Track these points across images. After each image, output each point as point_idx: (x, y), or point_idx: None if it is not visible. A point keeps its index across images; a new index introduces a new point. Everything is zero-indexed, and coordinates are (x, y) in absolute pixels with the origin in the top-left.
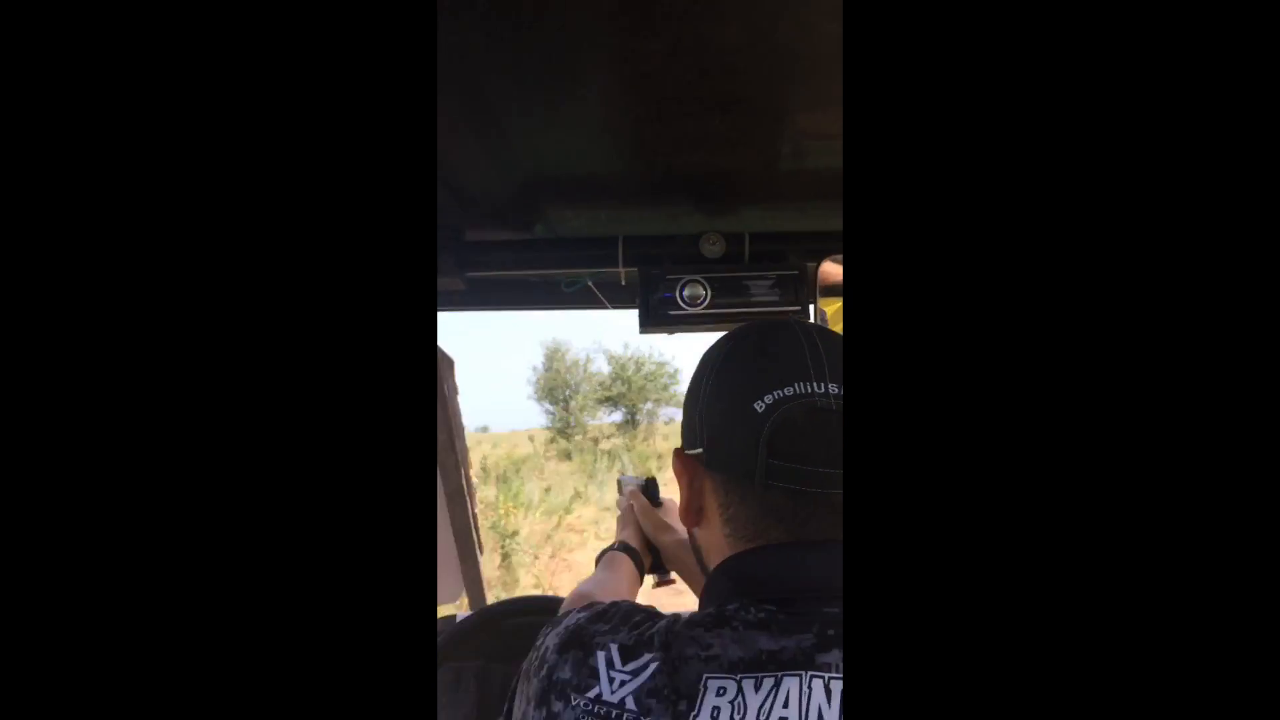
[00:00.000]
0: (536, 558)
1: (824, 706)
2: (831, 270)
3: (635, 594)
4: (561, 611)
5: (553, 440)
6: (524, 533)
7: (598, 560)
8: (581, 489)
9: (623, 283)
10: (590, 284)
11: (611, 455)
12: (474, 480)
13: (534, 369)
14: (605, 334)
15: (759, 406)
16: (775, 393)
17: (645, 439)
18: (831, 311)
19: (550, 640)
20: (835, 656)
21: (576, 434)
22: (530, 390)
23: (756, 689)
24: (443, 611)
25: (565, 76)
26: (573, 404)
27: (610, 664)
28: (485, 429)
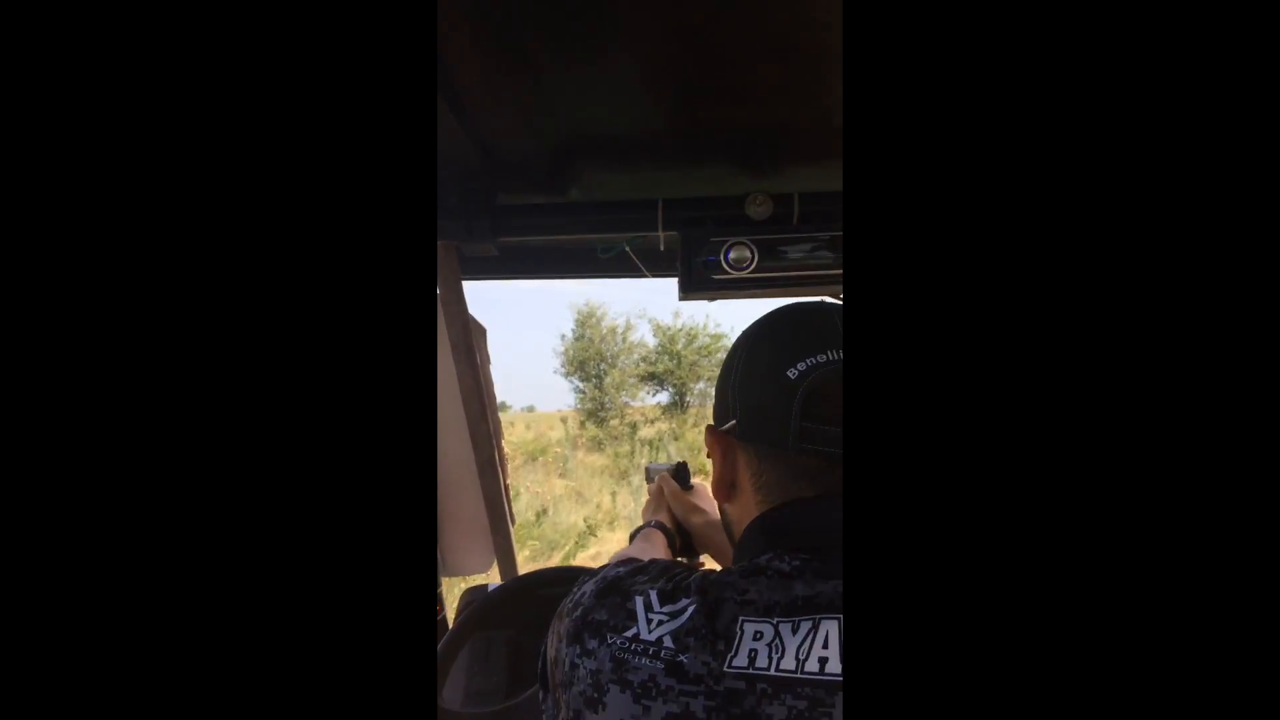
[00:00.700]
0: None
1: None
2: None
3: None
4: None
5: (582, 425)
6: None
7: (632, 537)
8: (609, 497)
9: (662, 248)
10: (628, 249)
11: (653, 445)
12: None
13: (562, 337)
14: (650, 303)
15: (792, 374)
16: (809, 359)
17: (695, 425)
18: None
19: (588, 587)
20: None
21: (612, 417)
22: (557, 363)
23: (794, 631)
24: (473, 581)
25: (606, 27)
26: (607, 380)
27: (649, 607)
28: (504, 405)
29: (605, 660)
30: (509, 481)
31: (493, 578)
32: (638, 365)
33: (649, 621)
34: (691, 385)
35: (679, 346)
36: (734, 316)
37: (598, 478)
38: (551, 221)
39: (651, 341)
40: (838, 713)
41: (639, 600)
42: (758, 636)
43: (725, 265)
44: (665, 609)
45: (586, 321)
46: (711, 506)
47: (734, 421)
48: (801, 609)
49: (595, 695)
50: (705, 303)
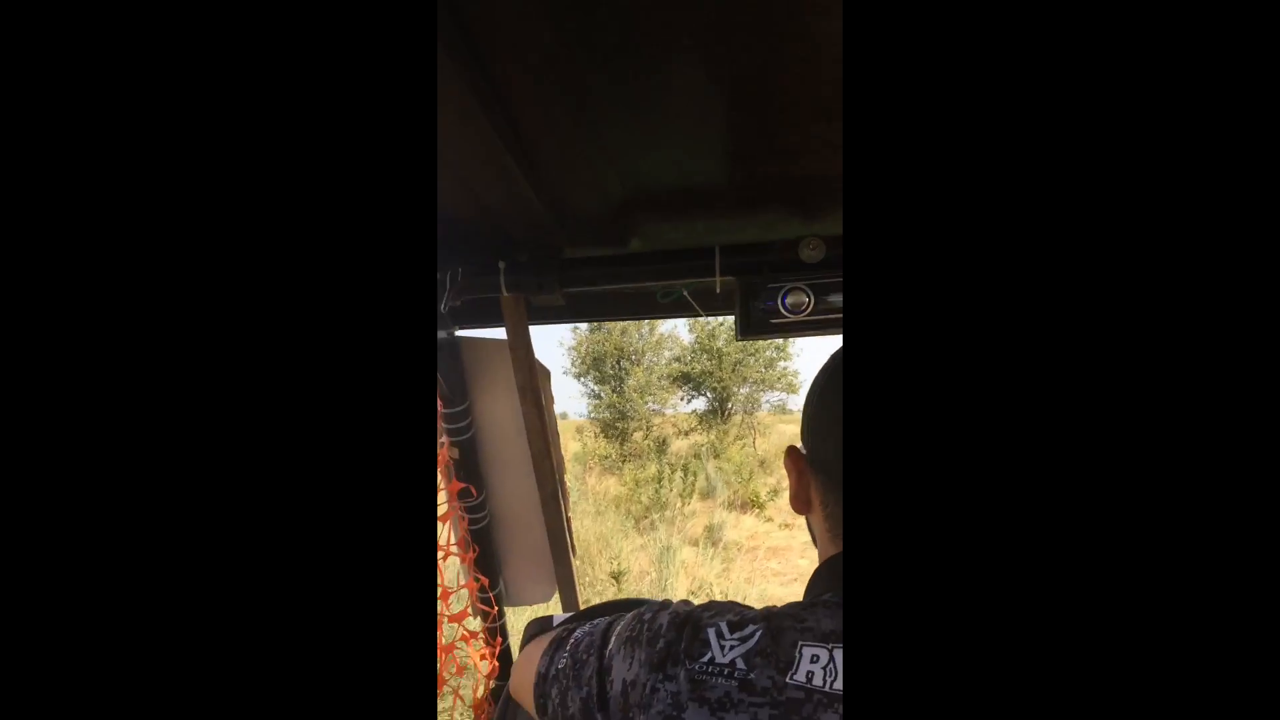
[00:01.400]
0: None
1: None
2: None
3: None
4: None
5: (595, 439)
6: None
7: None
8: (628, 546)
9: (718, 290)
10: (685, 294)
11: (687, 469)
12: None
13: (574, 328)
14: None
15: None
16: None
17: (739, 439)
18: None
19: (663, 619)
20: None
21: (634, 430)
22: (566, 360)
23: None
24: (537, 612)
25: (664, 90)
26: (630, 382)
27: (720, 635)
28: None
29: (684, 683)
30: (569, 515)
31: (554, 608)
32: (669, 365)
33: (722, 648)
34: (735, 390)
35: (719, 343)
36: None
37: (610, 513)
38: (614, 271)
39: (686, 337)
40: None
41: (712, 631)
42: (814, 659)
43: (783, 309)
44: (735, 635)
45: None
46: None
47: (806, 449)
48: None
49: (675, 713)
50: None
